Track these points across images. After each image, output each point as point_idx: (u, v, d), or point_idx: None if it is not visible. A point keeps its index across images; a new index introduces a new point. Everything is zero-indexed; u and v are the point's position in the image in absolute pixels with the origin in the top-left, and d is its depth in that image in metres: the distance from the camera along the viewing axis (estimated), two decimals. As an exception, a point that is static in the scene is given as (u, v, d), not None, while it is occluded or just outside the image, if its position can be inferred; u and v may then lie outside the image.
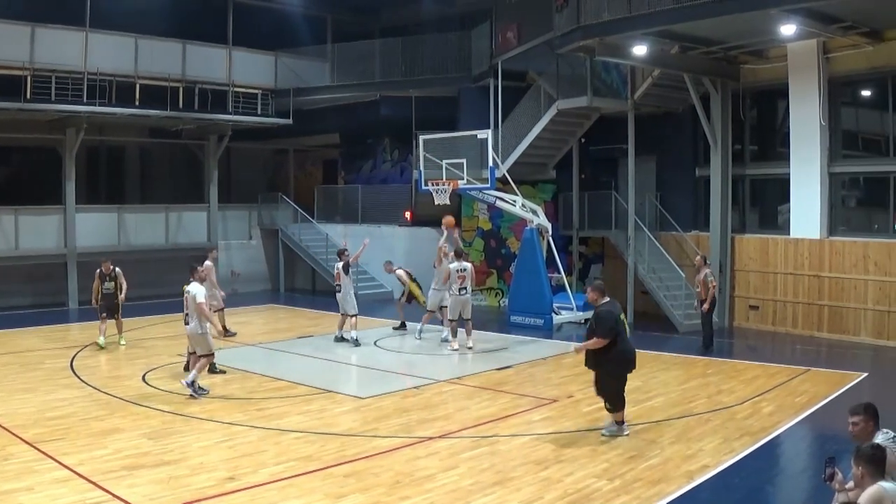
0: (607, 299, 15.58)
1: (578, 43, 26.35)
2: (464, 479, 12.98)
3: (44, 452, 14.30)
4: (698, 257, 26.30)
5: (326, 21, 40.50)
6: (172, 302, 32.88)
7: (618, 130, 31.04)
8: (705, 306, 24.94)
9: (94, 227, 35.92)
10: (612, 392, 15.40)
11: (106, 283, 25.49)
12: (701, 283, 24.96)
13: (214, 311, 25.48)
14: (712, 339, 25.25)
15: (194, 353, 19.57)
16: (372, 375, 21.56)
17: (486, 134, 29.02)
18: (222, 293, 27.69)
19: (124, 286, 25.92)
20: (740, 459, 14.14)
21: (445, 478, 13.09)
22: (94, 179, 40.75)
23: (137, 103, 35.10)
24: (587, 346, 15.43)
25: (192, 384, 18.48)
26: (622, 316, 15.37)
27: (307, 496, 12.33)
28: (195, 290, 19.62)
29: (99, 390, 19.51)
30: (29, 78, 32.16)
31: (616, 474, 13.15)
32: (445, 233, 26.94)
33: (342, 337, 26.29)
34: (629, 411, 16.72)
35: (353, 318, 26.04)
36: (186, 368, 20.09)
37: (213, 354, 19.52)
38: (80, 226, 35.33)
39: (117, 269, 25.86)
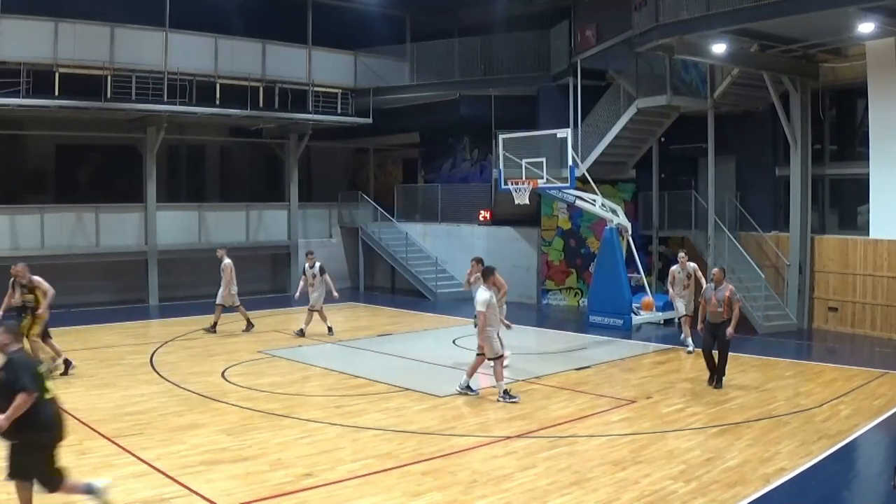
0: (20, 345, 11.37)
1: (657, 42, 26.09)
2: (541, 479, 12.85)
3: (122, 447, 14.39)
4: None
5: (405, 20, 40.44)
6: (252, 299, 33.14)
7: (697, 129, 30.66)
8: (730, 330, 19.36)
9: (175, 225, 36.24)
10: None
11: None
12: (725, 302, 19.50)
13: (235, 307, 26.93)
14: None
15: (482, 354, 18.78)
16: (450, 374, 21.43)
17: (565, 133, 28.84)
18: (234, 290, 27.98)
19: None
20: (817, 463, 13.88)
21: (523, 477, 12.98)
22: (175, 178, 41.04)
23: (218, 103, 35.29)
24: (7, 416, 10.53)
25: (504, 393, 18.12)
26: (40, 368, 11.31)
27: (384, 494, 12.27)
28: (482, 296, 18.69)
29: (178, 386, 19.63)
30: (109, 78, 32.42)
31: (693, 476, 12.97)
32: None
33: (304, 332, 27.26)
34: (708, 413, 16.56)
35: (315, 314, 27.45)
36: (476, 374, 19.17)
37: (502, 357, 19.05)
38: (161, 224, 35.63)
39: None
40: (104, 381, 20.10)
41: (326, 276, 27.40)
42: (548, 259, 35.20)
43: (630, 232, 29.46)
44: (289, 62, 37.55)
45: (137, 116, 34.31)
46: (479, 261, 22.75)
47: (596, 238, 32.91)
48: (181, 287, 36.47)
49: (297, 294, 27.57)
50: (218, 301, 27.31)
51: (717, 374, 19.64)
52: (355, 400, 18.32)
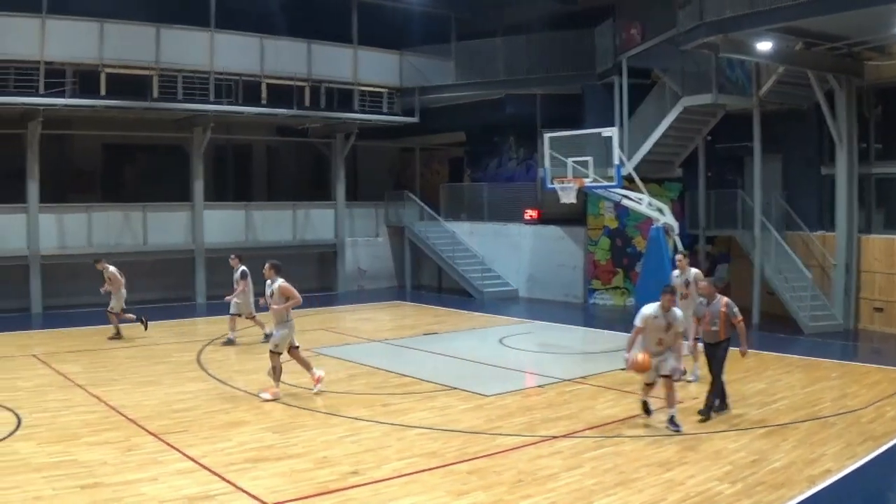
0: None
1: (702, 40, 25.91)
2: (586, 479, 12.79)
3: (168, 444, 14.47)
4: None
5: (450, 19, 40.42)
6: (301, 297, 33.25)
7: (743, 128, 30.39)
8: (743, 348, 16.80)
9: (222, 224, 36.40)
10: None
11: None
12: (721, 318, 16.91)
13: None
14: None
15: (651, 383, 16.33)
16: (496, 373, 21.40)
17: (611, 132, 28.75)
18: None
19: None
20: (863, 465, 13.73)
21: (568, 477, 12.92)
22: (222, 177, 41.22)
23: (264, 102, 35.42)
24: None
25: (671, 420, 15.85)
26: None
27: (429, 493, 12.26)
28: (678, 315, 16.15)
29: (224, 384, 19.75)
30: (155, 78, 32.61)
31: (738, 477, 12.86)
32: None
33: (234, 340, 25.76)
34: (754, 413, 16.47)
35: (239, 319, 25.99)
36: (647, 410, 16.61)
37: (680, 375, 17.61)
38: (208, 223, 35.83)
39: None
40: (151, 379, 20.22)
41: (248, 282, 25.68)
42: (594, 258, 35.08)
43: (677, 231, 29.31)
44: (334, 62, 37.63)
45: (184, 116, 34.53)
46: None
47: (642, 237, 32.73)
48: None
49: (229, 298, 25.90)
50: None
51: (715, 398, 16.90)
52: (401, 398, 18.34)
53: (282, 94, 35.90)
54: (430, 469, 13.28)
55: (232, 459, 13.68)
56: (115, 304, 26.06)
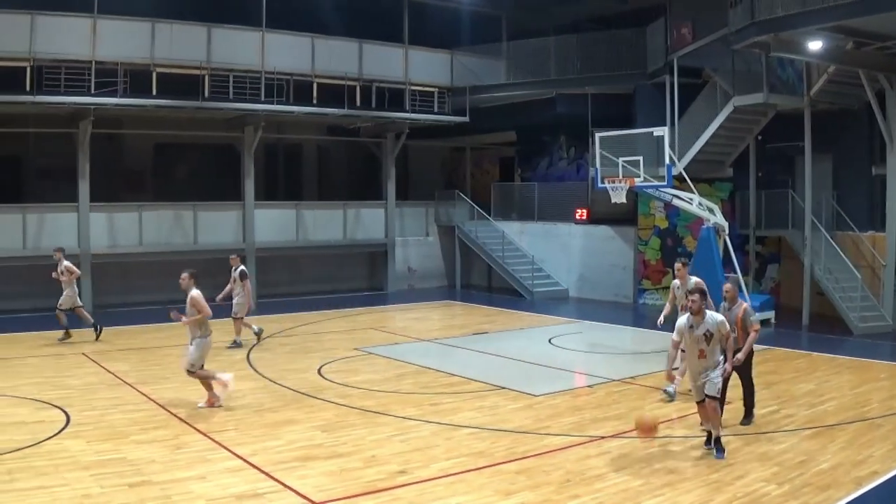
0: None
1: (753, 39, 25.73)
2: (634, 480, 12.70)
3: (217, 442, 14.53)
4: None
5: (501, 19, 40.36)
6: (349, 297, 33.35)
7: (794, 127, 30.10)
8: (739, 356, 15.22)
9: (272, 223, 36.51)
10: None
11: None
12: (738, 325, 15.71)
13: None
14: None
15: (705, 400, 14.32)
16: (546, 373, 21.33)
17: (662, 131, 28.61)
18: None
19: None
20: (910, 467, 13.56)
21: (616, 478, 12.84)
22: (273, 176, 41.36)
23: (315, 102, 35.49)
24: None
25: (716, 442, 14.17)
26: None
27: (476, 492, 12.21)
28: (717, 320, 14.22)
29: (274, 382, 19.81)
30: (206, 77, 32.77)
31: (786, 479, 12.73)
32: None
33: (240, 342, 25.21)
34: (802, 415, 16.34)
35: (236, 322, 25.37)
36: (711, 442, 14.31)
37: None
38: (259, 222, 35.94)
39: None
40: (200, 377, 20.33)
41: (247, 283, 25.43)
42: (644, 258, 34.94)
43: (727, 231, 29.13)
44: (385, 61, 37.67)
45: (235, 116, 34.68)
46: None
47: (693, 237, 32.54)
48: (278, 284, 36.74)
49: (220, 298, 25.24)
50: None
51: (751, 401, 16.36)
52: (450, 398, 18.31)
53: (333, 93, 35.96)
54: (477, 469, 13.24)
55: (281, 458, 13.71)
56: (65, 300, 25.77)
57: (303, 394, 18.46)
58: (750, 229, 33.14)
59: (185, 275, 18.08)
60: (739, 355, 15.23)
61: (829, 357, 22.92)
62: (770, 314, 28.77)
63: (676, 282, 19.66)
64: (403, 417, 16.45)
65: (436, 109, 39.13)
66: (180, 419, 16.17)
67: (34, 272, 28.58)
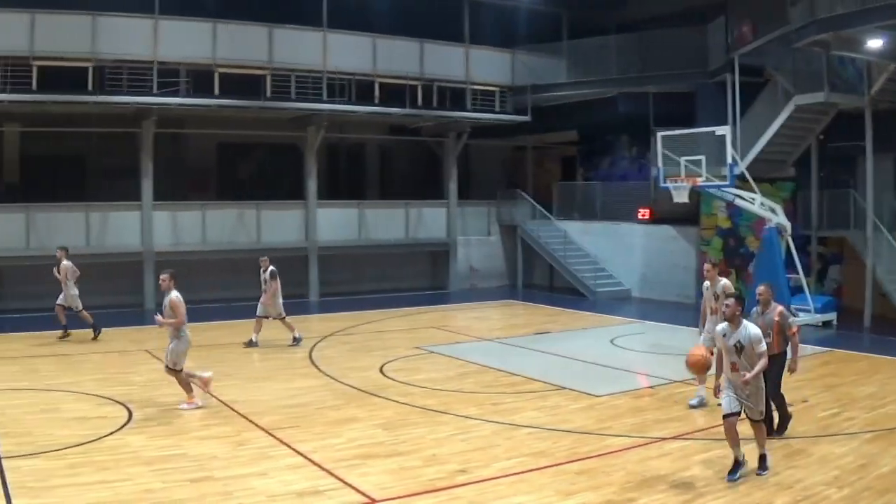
0: None
1: (813, 37, 25.46)
2: (696, 482, 12.59)
3: (279, 439, 14.61)
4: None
5: (562, 17, 40.25)
6: (410, 296, 33.37)
7: (856, 127, 29.78)
8: (793, 364, 14.81)
9: (335, 222, 36.67)
10: None
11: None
12: (774, 330, 14.83)
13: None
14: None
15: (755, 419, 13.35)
16: (608, 373, 21.22)
17: (724, 130, 28.39)
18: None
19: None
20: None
21: (676, 479, 12.75)
22: (335, 175, 41.48)
23: (377, 102, 35.55)
24: None
25: (761, 460, 13.18)
26: None
27: (537, 492, 12.16)
28: (751, 333, 12.99)
29: (336, 380, 19.86)
30: (269, 77, 32.92)
31: (846, 482, 12.56)
32: None
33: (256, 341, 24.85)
34: (863, 418, 16.17)
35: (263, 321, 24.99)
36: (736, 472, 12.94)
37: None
38: (321, 220, 36.10)
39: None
40: (263, 375, 20.47)
41: (276, 284, 24.82)
42: (707, 258, 34.71)
43: (790, 231, 28.87)
44: (446, 61, 37.75)
45: (297, 115, 34.81)
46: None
47: (755, 237, 32.24)
48: (341, 283, 36.84)
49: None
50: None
51: (783, 413, 15.18)
52: (511, 397, 18.26)
53: (394, 93, 36.03)
54: (538, 468, 13.19)
55: (341, 455, 13.75)
56: (66, 299, 25.56)
57: (364, 392, 18.49)
58: (812, 230, 32.77)
59: (165, 276, 17.72)
60: (793, 364, 14.68)
61: (892, 359, 22.61)
62: (832, 315, 28.50)
63: (706, 283, 18.55)
64: (464, 416, 16.42)
65: (497, 109, 39.12)
66: (242, 416, 16.28)
67: (98, 270, 28.81)
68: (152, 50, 30.89)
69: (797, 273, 28.99)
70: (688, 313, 31.05)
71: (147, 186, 32.47)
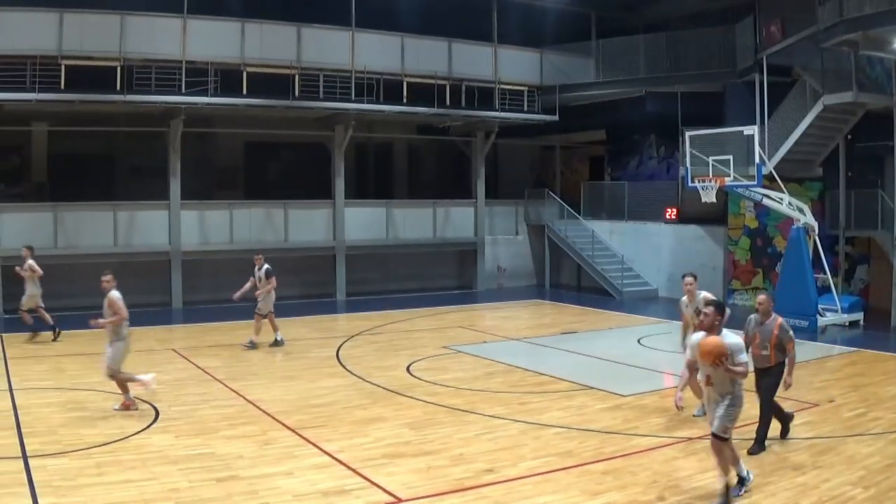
0: None
1: (841, 37, 25.30)
2: (721, 482, 12.53)
3: (305, 438, 14.63)
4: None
5: (590, 17, 40.17)
6: (437, 295, 33.36)
7: (885, 126, 29.61)
8: (788, 379, 14.30)
9: (362, 222, 36.73)
10: None
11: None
12: (772, 342, 14.32)
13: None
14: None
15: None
16: (634, 373, 21.17)
17: (752, 130, 28.28)
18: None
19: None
20: None
21: (703, 479, 12.67)
22: (363, 175, 41.52)
23: (405, 101, 35.54)
24: None
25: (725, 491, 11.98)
26: None
27: (563, 492, 12.13)
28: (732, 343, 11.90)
29: (363, 379, 19.88)
30: (296, 77, 32.96)
31: (872, 482, 12.49)
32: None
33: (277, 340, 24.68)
34: (889, 418, 16.16)
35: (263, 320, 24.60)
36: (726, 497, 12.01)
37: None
38: (349, 220, 36.15)
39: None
40: (290, 374, 20.52)
41: (272, 282, 24.48)
42: (734, 258, 34.58)
43: (817, 231, 28.74)
44: (475, 60, 37.70)
45: (325, 115, 34.84)
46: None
47: (783, 237, 32.10)
48: (368, 282, 36.87)
49: (238, 295, 24.68)
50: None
51: (765, 430, 14.35)
52: (538, 397, 18.23)
53: (422, 92, 36.01)
54: (565, 468, 13.16)
55: (368, 455, 13.76)
56: (28, 301, 25.45)
57: (391, 391, 18.50)
58: (839, 230, 32.60)
59: (107, 276, 17.47)
60: (788, 378, 14.13)
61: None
62: (859, 315, 28.36)
63: (685, 299, 17.48)
64: (491, 416, 16.40)
65: (525, 108, 39.03)
66: (269, 415, 16.30)
67: (126, 269, 28.90)
68: (180, 49, 30.96)
69: (824, 273, 28.87)
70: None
71: (175, 186, 32.58)
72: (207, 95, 31.27)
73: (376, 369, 21.04)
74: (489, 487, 12.24)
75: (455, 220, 39.48)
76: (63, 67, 29.59)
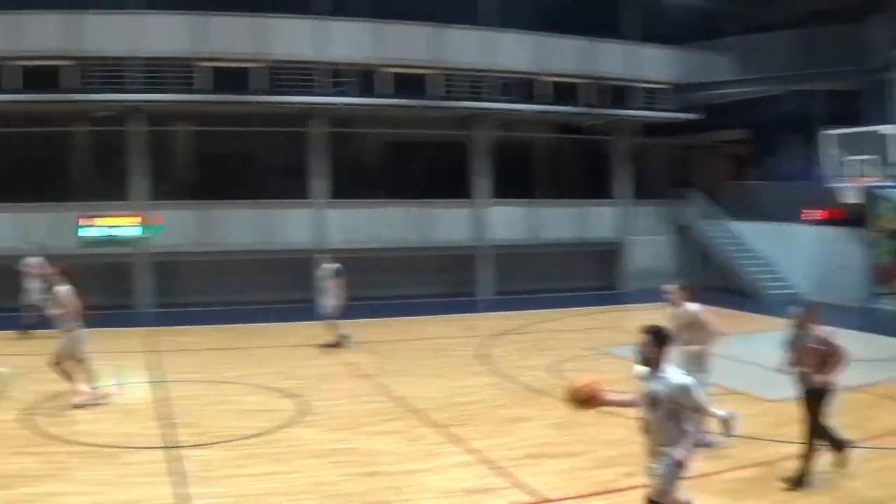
0: None
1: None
2: (865, 490, 12.28)
3: (450, 436, 14.73)
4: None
5: (729, 14, 39.68)
6: (580, 295, 33.30)
7: None
8: (818, 377, 13.01)
9: (504, 221, 36.78)
10: None
11: None
12: (815, 356, 13.17)
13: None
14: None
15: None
16: (779, 377, 20.83)
17: (892, 129, 27.71)
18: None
19: None
20: None
21: (847, 487, 12.48)
22: (504, 174, 41.47)
23: (545, 100, 35.44)
24: None
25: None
26: None
27: (709, 498, 11.95)
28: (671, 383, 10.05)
29: (508, 379, 19.91)
30: (435, 76, 33.19)
31: None
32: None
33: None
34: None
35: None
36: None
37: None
38: (491, 219, 36.21)
39: None
40: (435, 372, 20.60)
41: (339, 282, 24.39)
42: (879, 260, 33.87)
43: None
44: (615, 58, 37.55)
45: (465, 114, 34.96)
46: None
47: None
48: (511, 281, 36.83)
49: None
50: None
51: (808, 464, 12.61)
52: (685, 400, 18.02)
53: (563, 91, 35.93)
54: (712, 474, 12.92)
55: (512, 454, 13.76)
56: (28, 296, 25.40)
57: (536, 391, 18.47)
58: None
59: (54, 270, 18.44)
60: (818, 376, 12.90)
61: None
62: None
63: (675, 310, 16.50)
64: (638, 419, 16.24)
65: (665, 107, 38.70)
66: (414, 412, 16.45)
67: (269, 266, 29.33)
68: (319, 50, 31.36)
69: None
70: (858, 317, 30.43)
71: (318, 185, 33.01)
72: (347, 96, 31.61)
73: (521, 368, 21.07)
74: (633, 491, 12.04)
75: (596, 219, 39.31)
76: (206, 69, 30.26)
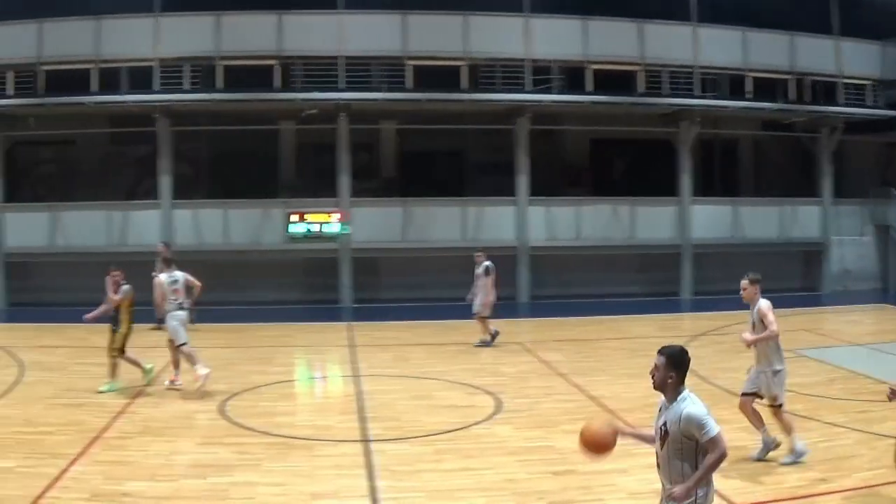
0: None
1: None
2: None
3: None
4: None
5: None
6: (781, 296, 33.03)
7: None
8: None
9: (707, 219, 36.55)
10: None
11: None
12: None
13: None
14: None
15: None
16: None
17: None
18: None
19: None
20: None
21: None
22: (708, 172, 41.16)
23: (749, 96, 35.18)
24: None
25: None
26: None
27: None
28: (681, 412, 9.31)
29: (705, 380, 19.84)
30: (640, 73, 33.49)
31: None
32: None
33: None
34: None
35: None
36: None
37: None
38: (694, 217, 36.09)
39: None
40: (633, 372, 20.56)
41: (491, 279, 24.12)
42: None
43: None
44: (817, 53, 36.98)
45: (669, 111, 34.95)
46: None
47: None
48: (713, 281, 36.55)
49: (471, 297, 24.56)
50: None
51: None
52: (879, 406, 17.69)
53: (767, 87, 35.58)
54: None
55: (704, 457, 13.70)
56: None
57: (732, 393, 18.38)
58: None
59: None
60: None
61: None
62: None
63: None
64: (830, 424, 16.18)
65: (869, 103, 37.96)
66: (610, 412, 16.66)
67: (471, 263, 29.76)
68: (525, 48, 31.69)
69: None
70: None
71: (521, 182, 33.32)
72: (552, 93, 31.84)
73: (718, 370, 20.95)
74: (821, 497, 12.14)
75: (800, 219, 38.67)
76: (411, 68, 30.86)
